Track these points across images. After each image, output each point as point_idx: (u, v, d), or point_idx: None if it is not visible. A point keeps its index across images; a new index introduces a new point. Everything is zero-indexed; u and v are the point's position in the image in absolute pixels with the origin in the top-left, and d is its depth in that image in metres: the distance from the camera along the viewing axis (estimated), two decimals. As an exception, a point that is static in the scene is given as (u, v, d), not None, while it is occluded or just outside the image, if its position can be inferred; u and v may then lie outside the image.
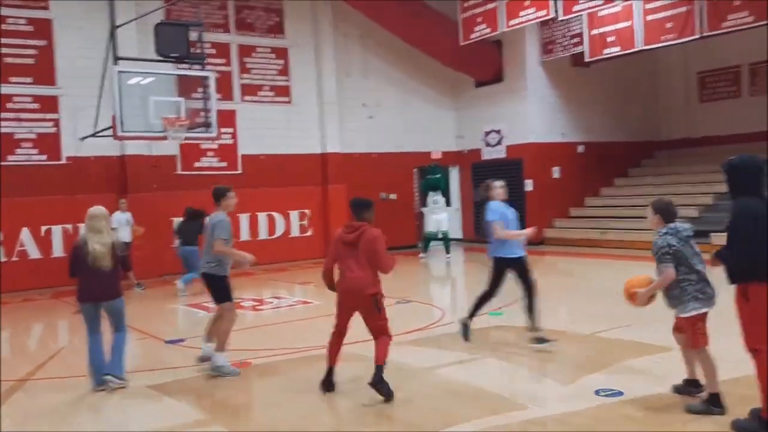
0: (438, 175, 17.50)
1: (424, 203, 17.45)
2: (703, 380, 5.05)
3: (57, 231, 14.70)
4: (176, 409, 5.80)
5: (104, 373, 6.27)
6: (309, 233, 18.23)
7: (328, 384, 5.83)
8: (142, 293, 13.24)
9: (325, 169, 18.27)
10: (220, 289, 6.76)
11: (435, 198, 16.93)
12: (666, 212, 5.08)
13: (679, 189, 17.12)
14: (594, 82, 18.95)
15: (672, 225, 5.03)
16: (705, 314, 4.91)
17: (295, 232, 18.03)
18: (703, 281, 4.93)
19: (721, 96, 18.87)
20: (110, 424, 5.42)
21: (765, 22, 13.34)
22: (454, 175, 20.44)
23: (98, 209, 6.39)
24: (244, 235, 17.08)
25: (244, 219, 17.01)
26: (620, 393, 5.47)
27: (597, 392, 5.52)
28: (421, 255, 16.92)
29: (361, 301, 5.69)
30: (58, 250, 14.63)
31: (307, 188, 17.97)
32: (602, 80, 19.02)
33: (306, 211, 18.17)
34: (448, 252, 16.51)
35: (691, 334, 4.92)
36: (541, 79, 18.45)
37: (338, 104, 18.39)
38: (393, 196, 19.01)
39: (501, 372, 6.47)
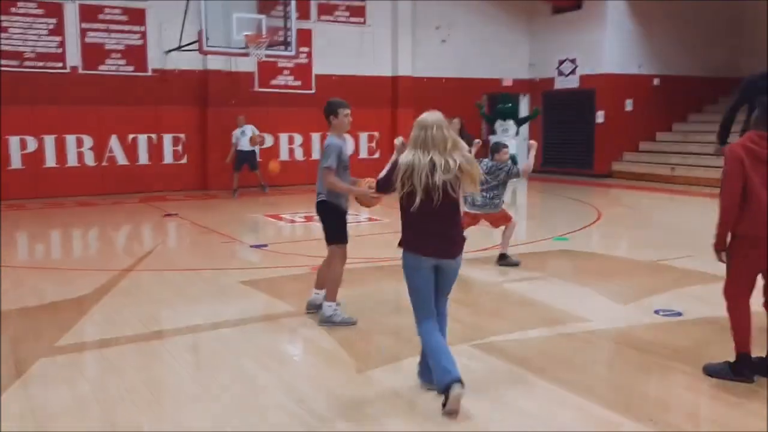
0: (509, 105, 17.53)
1: (491, 131, 17.55)
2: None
3: (142, 140, 15.56)
4: (267, 301, 6.43)
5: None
6: (377, 155, 18.66)
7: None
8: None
9: (395, 92, 18.49)
10: (332, 224, 5.58)
11: (505, 127, 17.00)
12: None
13: (755, 127, 16.74)
14: (676, 12, 18.38)
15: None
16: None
17: (363, 153, 18.48)
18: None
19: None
20: (210, 312, 6.06)
21: None
22: (524, 104, 20.38)
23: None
24: (315, 153, 17.65)
25: (315, 138, 17.54)
26: (679, 314, 5.81)
27: (657, 311, 5.88)
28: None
29: None
30: (143, 157, 15.55)
31: (377, 110, 18.27)
32: (685, 11, 18.43)
33: (375, 133, 18.55)
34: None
35: None
36: (621, 7, 18.02)
37: (411, 26, 18.43)
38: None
39: (564, 290, 6.85)
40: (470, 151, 4.24)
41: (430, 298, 3.97)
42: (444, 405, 3.80)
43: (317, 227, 11.38)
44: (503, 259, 7.72)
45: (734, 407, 3.97)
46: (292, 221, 11.82)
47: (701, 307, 6.00)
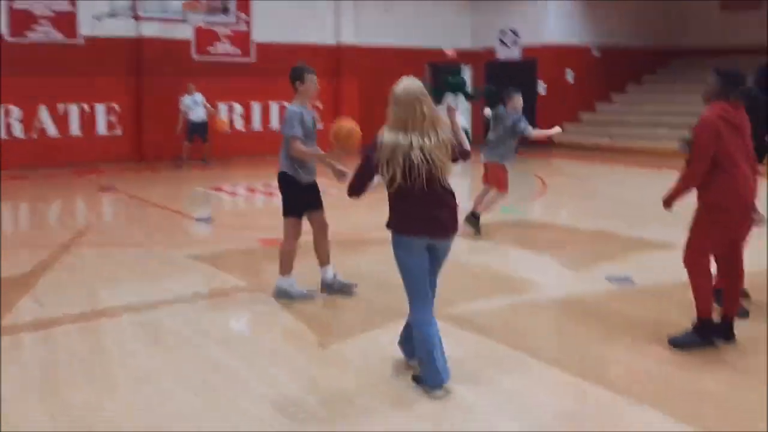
0: (459, 77, 17.40)
1: (438, 102, 17.45)
2: None
3: (74, 110, 14.88)
4: (218, 276, 6.23)
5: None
6: (320, 126, 18.35)
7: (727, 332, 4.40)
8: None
9: (338, 61, 18.20)
10: (286, 196, 5.38)
11: (455, 102, 16.85)
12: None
13: (689, 98, 17.19)
14: (617, -18, 18.59)
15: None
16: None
17: (306, 123, 18.19)
18: None
19: (744, 6, 18.52)
20: (159, 288, 5.84)
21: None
22: (466, 74, 20.37)
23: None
24: (256, 124, 17.29)
25: (256, 108, 17.16)
26: (630, 280, 5.92)
27: (609, 279, 5.97)
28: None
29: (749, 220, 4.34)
30: (75, 129, 14.90)
31: (320, 79, 17.83)
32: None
33: (318, 103, 18.25)
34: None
35: None
36: (563, -22, 18.16)
37: (354, -6, 18.14)
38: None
39: (519, 259, 6.89)
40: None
41: (425, 281, 3.76)
42: (416, 381, 3.79)
43: (261, 199, 11.23)
44: (473, 219, 7.66)
45: (692, 371, 4.06)
46: (234, 193, 11.55)
47: (650, 274, 6.13)
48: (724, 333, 4.36)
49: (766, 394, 3.64)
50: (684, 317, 4.71)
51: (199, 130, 14.55)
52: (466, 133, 11.35)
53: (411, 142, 3.54)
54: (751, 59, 16.96)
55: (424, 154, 3.54)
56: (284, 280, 5.42)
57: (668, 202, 4.41)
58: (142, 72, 15.38)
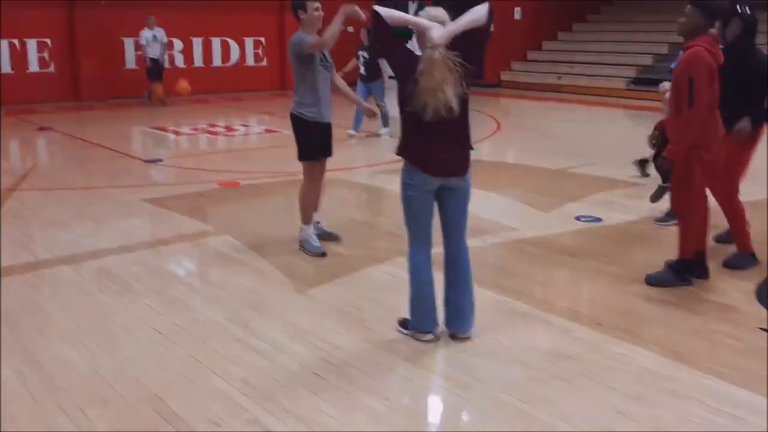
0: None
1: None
2: None
3: (3, 46, 13.98)
4: (178, 220, 5.97)
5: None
6: (264, 63, 17.86)
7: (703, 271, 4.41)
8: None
9: (283, -4, 17.56)
10: (299, 139, 4.99)
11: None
12: None
13: (635, 37, 17.36)
14: None
15: None
16: None
17: (250, 61, 17.62)
18: None
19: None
20: (118, 234, 5.56)
21: None
22: (412, 12, 19.98)
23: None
24: (198, 61, 16.64)
25: (197, 44, 16.47)
26: (599, 219, 5.96)
27: (578, 218, 6.00)
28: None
29: None
30: (5, 66, 14.03)
31: (263, 15, 17.31)
32: None
33: (261, 39, 17.67)
34: None
35: None
36: None
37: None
38: (350, 29, 18.53)
39: (486, 200, 6.79)
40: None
41: (429, 223, 3.52)
42: (402, 325, 3.71)
43: (209, 139, 10.86)
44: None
45: (672, 307, 4.10)
46: (178, 133, 11.10)
47: (616, 213, 6.19)
48: (699, 271, 4.41)
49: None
50: (655, 254, 4.78)
51: (153, 68, 13.91)
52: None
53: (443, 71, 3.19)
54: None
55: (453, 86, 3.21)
56: (303, 230, 5.08)
57: (679, 155, 4.06)
58: (73, 4, 14.49)
